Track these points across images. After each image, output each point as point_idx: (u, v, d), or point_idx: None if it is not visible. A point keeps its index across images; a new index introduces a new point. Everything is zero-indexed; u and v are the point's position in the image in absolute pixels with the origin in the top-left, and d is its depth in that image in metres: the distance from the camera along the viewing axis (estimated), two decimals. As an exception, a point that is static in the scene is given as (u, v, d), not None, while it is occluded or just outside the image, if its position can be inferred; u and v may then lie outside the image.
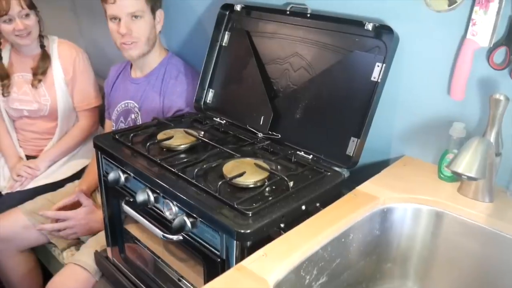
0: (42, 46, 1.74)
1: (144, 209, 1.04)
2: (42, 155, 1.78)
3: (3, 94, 1.76)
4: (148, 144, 1.08)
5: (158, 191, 0.99)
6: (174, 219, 0.93)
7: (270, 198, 0.91)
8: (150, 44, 1.43)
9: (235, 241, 0.83)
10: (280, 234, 0.85)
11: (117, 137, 1.16)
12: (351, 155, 1.06)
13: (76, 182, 1.74)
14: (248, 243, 0.83)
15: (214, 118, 1.33)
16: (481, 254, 0.92)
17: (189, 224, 0.91)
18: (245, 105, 1.29)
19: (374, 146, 1.13)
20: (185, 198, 0.92)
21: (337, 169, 1.06)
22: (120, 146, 1.13)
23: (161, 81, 1.48)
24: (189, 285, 1.05)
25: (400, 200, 0.97)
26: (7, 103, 1.78)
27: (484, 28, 0.93)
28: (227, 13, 1.35)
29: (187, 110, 1.43)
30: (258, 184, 0.96)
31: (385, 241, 0.99)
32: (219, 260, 0.88)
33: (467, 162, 0.79)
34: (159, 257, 1.13)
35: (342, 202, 0.93)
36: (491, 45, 0.94)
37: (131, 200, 1.07)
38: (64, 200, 1.53)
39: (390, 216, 0.97)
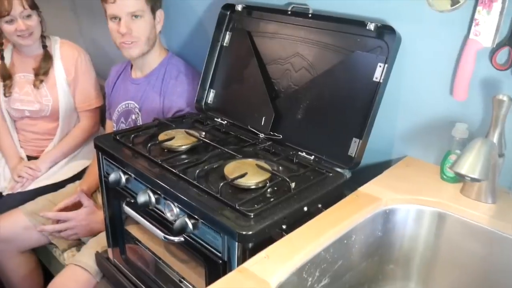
0: (44, 47, 1.73)
1: (145, 210, 1.03)
2: (43, 156, 1.78)
3: (4, 95, 1.76)
4: (149, 145, 1.08)
5: (159, 192, 0.99)
6: (175, 221, 0.93)
7: (272, 200, 0.90)
8: (150, 44, 1.42)
9: (236, 243, 0.82)
10: (282, 236, 0.85)
11: (118, 138, 1.16)
12: (353, 156, 1.05)
13: (77, 182, 1.74)
14: (250, 245, 0.83)
15: (215, 119, 1.33)
16: (483, 255, 0.91)
17: (190, 225, 0.90)
18: (246, 105, 1.29)
19: (376, 147, 1.13)
20: (186, 199, 0.91)
21: (339, 170, 1.05)
22: (121, 147, 1.13)
23: (161, 81, 1.47)
24: (190, 287, 1.05)
25: (402, 201, 0.96)
26: (9, 103, 1.77)
27: (487, 28, 0.92)
28: (228, 13, 1.35)
29: (188, 110, 1.43)
30: (260, 185, 0.96)
31: (387, 243, 0.99)
32: (220, 261, 0.88)
33: (470, 163, 0.78)
34: (160, 258, 1.13)
35: (344, 203, 0.93)
36: (494, 45, 0.93)
37: (132, 201, 1.07)
38: (65, 201, 1.53)
39: (393, 217, 0.97)
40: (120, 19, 1.34)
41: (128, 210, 1.07)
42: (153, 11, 1.40)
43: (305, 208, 0.91)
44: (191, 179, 0.96)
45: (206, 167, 1.01)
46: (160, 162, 1.03)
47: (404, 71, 1.09)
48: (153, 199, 1.00)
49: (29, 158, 1.82)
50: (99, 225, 1.46)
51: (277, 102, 1.22)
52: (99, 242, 1.41)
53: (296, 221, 0.88)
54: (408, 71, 1.09)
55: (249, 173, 0.97)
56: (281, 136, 1.19)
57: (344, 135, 1.08)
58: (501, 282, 0.90)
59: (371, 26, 1.04)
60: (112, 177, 1.08)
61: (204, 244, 0.90)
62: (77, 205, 1.53)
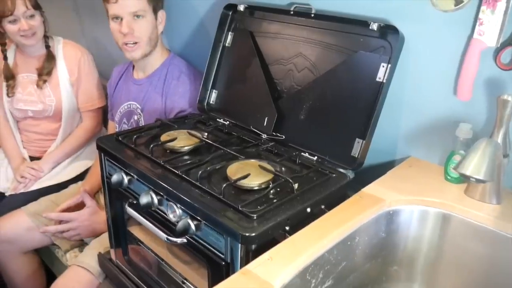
0: (47, 47, 1.74)
1: (147, 211, 1.03)
2: (45, 156, 1.78)
3: (8, 95, 1.76)
4: (151, 145, 1.08)
5: (161, 193, 0.98)
6: (178, 222, 0.93)
7: (275, 201, 0.90)
8: (152, 44, 1.42)
9: (239, 244, 0.82)
10: (285, 237, 0.85)
11: (120, 138, 1.16)
12: (356, 156, 1.05)
13: (80, 183, 1.74)
14: (253, 246, 0.82)
15: (218, 119, 1.32)
16: (488, 257, 0.91)
17: (193, 227, 0.90)
18: (248, 106, 1.28)
19: (380, 147, 1.12)
20: (189, 200, 0.91)
21: (342, 170, 1.05)
22: (123, 148, 1.13)
23: (163, 82, 1.47)
24: (193, 288, 1.05)
25: (406, 202, 0.96)
26: (12, 103, 1.78)
27: (491, 28, 0.92)
28: (230, 13, 1.35)
29: (190, 110, 1.43)
30: (263, 186, 0.96)
31: (391, 244, 0.98)
32: (223, 263, 0.87)
33: (475, 164, 0.78)
34: (162, 260, 1.12)
35: (347, 204, 0.92)
36: (499, 45, 0.93)
37: (135, 202, 1.07)
38: (68, 201, 1.52)
39: (396, 218, 0.96)
40: (122, 19, 1.34)
41: (130, 211, 1.06)
42: (155, 11, 1.40)
43: (308, 209, 0.91)
44: (194, 180, 0.95)
45: (208, 168, 1.01)
46: (162, 163, 1.02)
47: (408, 71, 1.08)
48: (155, 200, 0.99)
49: (32, 158, 1.82)
50: (101, 225, 1.46)
51: (279, 103, 1.22)
52: (102, 243, 1.41)
53: (299, 222, 0.87)
54: (412, 71, 1.08)
55: (252, 174, 0.96)
56: (283, 137, 1.18)
57: (347, 135, 1.07)
58: (506, 283, 0.89)
59: (374, 26, 1.04)
60: (115, 178, 1.08)
61: (207, 245, 0.90)
62: (79, 206, 1.53)
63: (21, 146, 1.84)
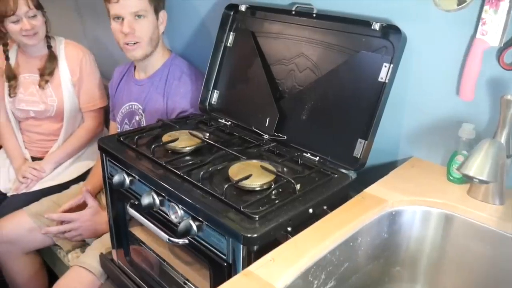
0: (49, 47, 1.74)
1: (149, 212, 1.03)
2: (47, 157, 1.78)
3: (9, 95, 1.76)
4: (153, 146, 1.07)
5: (163, 194, 0.98)
6: (179, 223, 0.92)
7: (277, 201, 0.89)
8: (153, 44, 1.42)
9: (241, 245, 0.82)
10: (287, 238, 0.84)
11: (121, 139, 1.16)
12: (359, 157, 1.04)
13: (81, 184, 1.74)
14: (255, 247, 0.82)
15: (219, 120, 1.32)
16: (491, 257, 0.90)
17: (195, 227, 0.90)
18: (250, 106, 1.28)
19: (382, 147, 1.12)
20: (190, 201, 0.91)
21: (344, 171, 1.04)
22: (125, 148, 1.13)
23: (165, 82, 1.47)
24: (195, 289, 1.04)
25: (408, 203, 0.95)
26: (14, 104, 1.78)
27: (494, 27, 0.91)
28: (232, 13, 1.34)
29: (191, 111, 1.43)
30: (265, 187, 0.95)
31: (393, 244, 0.98)
32: (225, 264, 0.87)
33: (478, 165, 0.77)
34: (164, 260, 1.12)
35: (350, 205, 0.92)
36: (502, 45, 0.92)
37: (136, 203, 1.07)
38: (70, 202, 1.52)
39: (399, 219, 0.96)
40: (123, 19, 1.34)
41: (132, 212, 1.06)
42: (156, 11, 1.40)
43: (310, 210, 0.91)
44: (195, 181, 0.95)
45: (210, 169, 1.01)
46: (164, 164, 1.02)
47: (410, 71, 1.08)
48: (157, 201, 0.99)
49: (34, 159, 1.82)
50: (103, 226, 1.46)
51: (281, 103, 1.21)
52: (103, 243, 1.41)
53: (301, 223, 0.87)
54: (414, 71, 1.08)
55: (253, 174, 0.96)
56: (285, 137, 1.18)
57: (349, 136, 1.07)
58: (509, 283, 0.89)
59: (376, 26, 1.03)
60: (116, 178, 1.08)
61: (209, 246, 0.90)
62: (81, 206, 1.53)
63: (23, 146, 1.84)
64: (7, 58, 1.75)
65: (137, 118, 1.52)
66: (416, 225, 0.97)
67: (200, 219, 0.90)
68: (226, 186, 0.90)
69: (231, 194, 0.93)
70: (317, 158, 1.10)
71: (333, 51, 1.13)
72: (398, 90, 1.06)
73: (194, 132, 1.18)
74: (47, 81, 1.73)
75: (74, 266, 1.37)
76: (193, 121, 1.32)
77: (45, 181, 1.74)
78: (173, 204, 0.95)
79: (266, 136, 1.21)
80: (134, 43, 1.37)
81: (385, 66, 1.03)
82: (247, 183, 0.94)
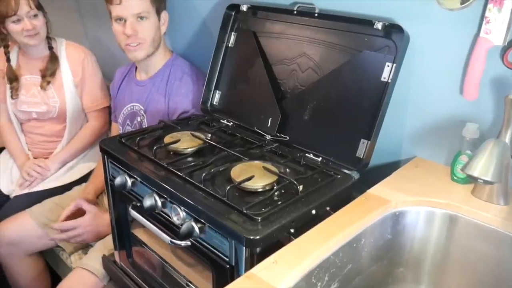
0: (50, 48, 1.74)
1: (151, 214, 1.03)
2: (52, 156, 1.78)
3: (11, 97, 1.76)
4: (154, 147, 1.07)
5: (165, 196, 0.98)
6: (182, 225, 0.92)
7: (280, 203, 0.89)
8: (155, 45, 1.41)
9: (244, 247, 0.81)
10: (290, 240, 0.84)
11: (123, 140, 1.15)
12: (361, 157, 1.04)
13: (84, 185, 1.73)
14: (258, 249, 0.81)
15: (221, 120, 1.32)
16: (496, 258, 0.90)
17: (197, 229, 0.89)
18: (252, 106, 1.27)
19: (385, 147, 1.11)
20: (192, 203, 0.90)
21: (347, 171, 1.04)
22: (127, 150, 1.12)
23: (166, 83, 1.47)
24: (198, 291, 1.04)
25: (412, 204, 0.95)
26: (15, 105, 1.78)
27: (498, 26, 0.90)
28: (233, 13, 1.34)
29: (193, 111, 1.42)
30: (267, 188, 0.95)
31: (397, 245, 0.97)
32: (228, 266, 0.86)
33: (483, 165, 0.77)
34: (167, 262, 1.12)
35: (353, 206, 0.91)
36: (506, 44, 0.91)
37: (138, 204, 1.06)
38: (65, 212, 1.50)
39: (402, 220, 0.95)
40: (125, 21, 1.34)
41: (134, 213, 1.06)
42: (158, 12, 1.39)
43: (313, 211, 0.90)
44: (197, 182, 0.95)
45: (212, 170, 1.00)
46: (166, 165, 1.02)
47: (413, 71, 1.07)
48: (159, 203, 0.99)
49: (36, 160, 1.82)
50: (105, 228, 1.46)
51: (283, 103, 1.21)
52: (106, 245, 1.41)
53: (304, 224, 0.86)
54: (417, 70, 1.07)
55: (256, 175, 0.96)
56: (288, 138, 1.17)
57: (352, 136, 1.06)
58: (514, 284, 0.88)
59: (379, 25, 1.03)
60: (118, 180, 1.07)
61: (211, 248, 0.89)
62: (82, 210, 1.53)
63: (26, 148, 1.84)
64: (8, 60, 1.75)
65: (139, 119, 1.52)
66: (420, 226, 0.96)
67: (202, 221, 0.89)
68: (228, 187, 0.89)
69: (233, 195, 0.93)
70: (319, 159, 1.09)
71: (335, 51, 1.13)
72: (401, 89, 1.06)
73: (196, 133, 1.17)
74: (48, 82, 1.73)
75: (77, 268, 1.37)
76: (195, 122, 1.31)
77: (48, 182, 1.74)
78: (175, 206, 0.95)
79: (268, 137, 1.20)
80: (137, 44, 1.37)
81: (388, 66, 1.02)
82: (250, 184, 0.94)
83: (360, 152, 1.05)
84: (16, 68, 1.77)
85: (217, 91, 1.38)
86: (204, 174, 0.96)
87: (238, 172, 0.98)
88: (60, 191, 1.72)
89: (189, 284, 1.06)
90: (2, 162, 1.87)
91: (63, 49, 1.76)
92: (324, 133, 1.12)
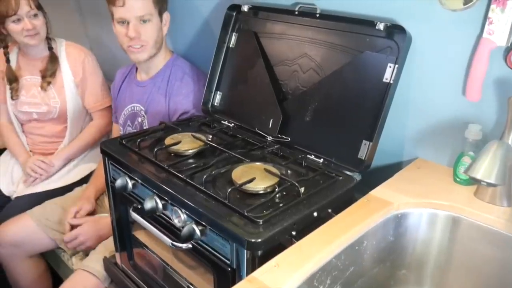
0: (50, 48, 1.74)
1: (152, 216, 1.02)
2: (57, 153, 1.78)
3: (12, 98, 1.76)
4: (155, 149, 1.06)
5: (166, 198, 0.97)
6: (183, 227, 0.91)
7: (281, 205, 0.88)
8: (157, 47, 1.41)
9: (245, 250, 0.81)
10: (291, 242, 0.83)
11: (124, 142, 1.15)
12: (363, 158, 1.03)
13: (84, 186, 1.73)
14: (259, 252, 0.81)
15: (222, 121, 1.31)
16: (499, 260, 0.89)
17: (198, 232, 0.89)
18: (253, 107, 1.27)
19: (387, 148, 1.10)
20: (193, 205, 0.90)
21: (348, 173, 1.03)
22: (127, 152, 1.12)
23: (167, 83, 1.46)
24: (199, 293, 1.03)
25: (414, 205, 0.94)
26: (16, 106, 1.78)
27: (501, 27, 0.89)
28: (234, 14, 1.33)
29: (193, 112, 1.42)
30: (268, 190, 0.94)
31: (399, 247, 0.96)
32: (229, 269, 0.86)
33: (486, 168, 0.76)
34: (168, 264, 1.11)
35: (355, 208, 0.91)
36: (509, 44, 0.90)
37: (139, 206, 1.06)
38: (66, 227, 1.51)
39: (405, 222, 0.95)
40: (128, 23, 1.33)
41: (135, 216, 1.05)
42: (160, 13, 1.39)
43: (315, 214, 0.89)
44: (198, 184, 0.94)
45: (213, 172, 1.00)
46: (166, 167, 1.01)
47: (415, 71, 1.06)
48: (160, 205, 0.98)
49: (37, 161, 1.81)
50: (106, 230, 1.46)
51: (285, 104, 1.20)
52: (107, 247, 1.41)
53: (306, 227, 0.86)
54: (419, 71, 1.06)
55: (257, 177, 0.95)
56: (289, 139, 1.17)
57: (353, 137, 1.06)
58: (517, 286, 0.88)
59: (381, 26, 1.02)
60: (119, 182, 1.07)
61: (213, 251, 0.89)
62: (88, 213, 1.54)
63: (27, 149, 1.84)
64: (7, 61, 1.75)
65: (140, 119, 1.52)
66: (422, 228, 0.96)
67: (204, 223, 0.88)
68: (229, 189, 0.89)
69: (235, 197, 0.92)
70: (321, 160, 1.08)
71: (337, 52, 1.12)
72: (403, 90, 1.05)
73: (197, 135, 1.16)
74: (49, 83, 1.73)
75: (78, 270, 1.37)
76: (196, 123, 1.31)
77: (49, 183, 1.74)
78: (176, 208, 0.94)
79: (269, 138, 1.20)
80: (140, 47, 1.36)
81: (390, 67, 1.01)
82: (251, 187, 0.93)
83: (362, 153, 1.04)
84: (16, 69, 1.77)
85: (218, 92, 1.37)
86: (205, 176, 0.95)
87: (239, 174, 0.98)
88: (61, 192, 1.72)
89: (190, 286, 1.05)
90: (3, 163, 1.86)
91: (63, 49, 1.76)
92: (325, 134, 1.12)
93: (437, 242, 0.96)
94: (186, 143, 1.12)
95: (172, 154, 1.11)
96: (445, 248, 0.96)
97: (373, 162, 1.03)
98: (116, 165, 1.11)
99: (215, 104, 1.38)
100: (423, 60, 1.05)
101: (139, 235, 1.18)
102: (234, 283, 0.85)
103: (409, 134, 1.13)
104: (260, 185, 0.94)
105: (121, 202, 1.16)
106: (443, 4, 0.93)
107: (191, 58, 1.57)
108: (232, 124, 1.29)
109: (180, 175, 0.98)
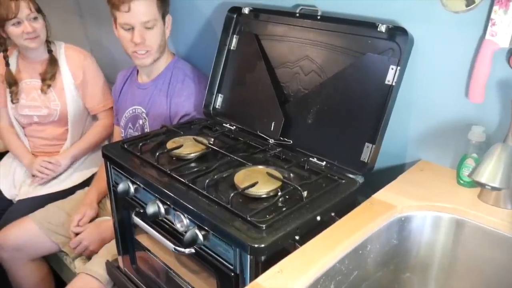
0: (50, 51, 1.73)
1: (155, 220, 1.02)
2: (63, 152, 1.78)
3: (12, 101, 1.76)
4: (157, 153, 1.06)
5: (168, 203, 0.97)
6: (185, 232, 0.91)
7: (284, 209, 0.88)
8: (161, 50, 1.42)
9: (248, 256, 0.80)
10: (295, 247, 0.83)
11: (125, 146, 1.14)
12: (366, 161, 1.03)
13: (86, 189, 1.73)
14: (263, 258, 0.80)
15: (224, 124, 1.31)
16: (503, 263, 0.89)
17: (201, 237, 0.88)
18: (255, 110, 1.26)
19: (389, 150, 1.10)
20: (196, 210, 0.89)
21: (351, 176, 1.02)
22: (129, 156, 1.11)
23: (168, 85, 1.46)
24: (202, 297, 1.03)
25: (418, 208, 0.94)
26: (16, 110, 1.78)
27: (504, 28, 0.89)
28: (235, 16, 1.32)
29: (194, 114, 1.41)
30: (271, 194, 0.94)
31: (403, 250, 0.96)
32: (232, 274, 0.86)
33: (491, 171, 0.75)
34: (170, 268, 1.11)
35: (358, 212, 0.90)
36: (512, 46, 0.90)
37: (142, 211, 1.05)
38: (72, 235, 1.52)
39: (408, 225, 0.94)
40: (133, 28, 1.33)
41: (137, 220, 1.05)
42: (163, 17, 1.39)
43: (318, 218, 0.89)
44: (201, 189, 0.94)
45: (215, 176, 0.99)
46: (168, 172, 1.01)
47: (417, 73, 1.06)
48: (162, 210, 0.98)
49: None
50: (108, 233, 1.46)
51: (286, 107, 1.20)
52: (109, 250, 1.40)
53: (309, 231, 0.85)
54: (422, 73, 1.06)
55: (259, 181, 0.95)
56: (291, 142, 1.16)
57: (356, 139, 1.05)
58: (522, 289, 0.87)
59: (383, 28, 1.01)
60: (121, 187, 1.07)
61: (216, 256, 0.89)
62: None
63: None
64: (7, 64, 1.75)
65: (141, 122, 1.51)
66: (426, 231, 0.95)
67: (206, 228, 0.88)
68: (232, 194, 0.89)
69: (237, 202, 0.92)
70: (323, 163, 1.08)
71: (338, 54, 1.11)
72: (405, 92, 1.04)
73: (199, 138, 1.16)
74: (49, 86, 1.73)
75: (81, 274, 1.37)
76: (197, 126, 1.30)
77: (51, 185, 1.74)
78: (178, 213, 0.94)
79: (271, 141, 1.19)
80: (145, 52, 1.36)
81: (392, 69, 1.01)
82: (253, 191, 0.93)
83: (365, 156, 1.04)
84: (16, 72, 1.76)
85: (220, 95, 1.37)
86: (207, 181, 0.95)
87: (241, 178, 0.97)
88: (63, 195, 1.72)
89: (193, 290, 1.05)
90: (5, 166, 1.86)
91: (62, 52, 1.76)
92: (328, 136, 1.11)
93: (441, 245, 0.96)
94: (188, 147, 1.12)
95: (174, 158, 1.10)
96: (449, 251, 0.95)
97: (376, 164, 1.03)
98: (118, 170, 1.11)
99: (217, 106, 1.37)
100: (426, 62, 1.04)
101: (142, 239, 1.18)
102: (237, 287, 0.85)
103: (412, 136, 1.13)
104: (262, 189, 0.93)
105: (123, 207, 1.16)
106: (445, 5, 0.92)
107: (192, 60, 1.57)
108: (234, 127, 1.28)
109: (182, 180, 0.98)
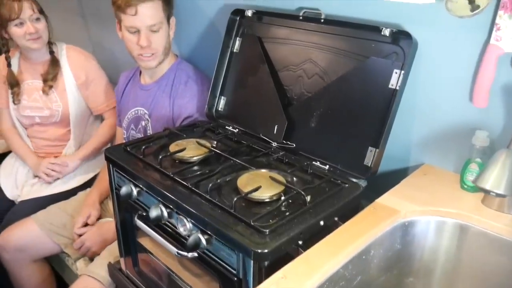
0: (51, 52, 1.73)
1: (157, 224, 1.02)
2: (72, 154, 1.79)
3: (14, 102, 1.76)
4: (160, 156, 1.06)
5: (171, 206, 0.97)
6: (188, 236, 0.91)
7: (287, 214, 0.88)
8: (166, 52, 1.42)
9: (252, 261, 0.80)
10: (298, 252, 0.83)
11: (128, 149, 1.14)
12: (369, 165, 1.02)
13: (88, 190, 1.73)
14: (266, 263, 0.80)
15: (227, 127, 1.30)
16: (507, 268, 0.88)
17: (204, 241, 0.88)
18: (258, 113, 1.26)
19: (393, 154, 1.09)
20: (199, 214, 0.89)
21: (354, 180, 1.02)
22: (132, 159, 1.11)
23: (171, 87, 1.46)
24: (205, 301, 1.03)
25: (421, 213, 0.93)
26: (18, 111, 1.78)
27: (508, 33, 0.89)
28: (238, 18, 1.32)
29: (197, 116, 1.41)
30: (274, 198, 0.94)
31: (406, 255, 0.96)
32: (235, 279, 0.86)
33: (495, 178, 0.75)
34: (173, 271, 1.11)
35: (361, 217, 0.90)
36: (516, 51, 0.90)
37: (144, 214, 1.05)
38: (75, 237, 1.53)
39: (412, 230, 0.94)
40: (139, 31, 1.33)
41: (140, 224, 1.05)
42: (168, 19, 1.39)
43: (322, 222, 0.89)
44: (204, 192, 0.94)
45: (218, 180, 0.99)
46: (171, 175, 1.01)
47: (421, 77, 1.06)
48: (165, 214, 0.98)
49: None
50: (111, 234, 1.46)
51: (289, 110, 1.19)
52: (112, 252, 1.40)
53: (313, 236, 0.85)
54: (426, 77, 1.05)
55: (262, 185, 0.94)
56: (294, 145, 1.16)
57: (359, 143, 1.05)
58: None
59: (386, 32, 1.01)
60: (124, 190, 1.06)
61: (219, 260, 0.88)
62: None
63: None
64: (9, 65, 1.75)
65: (143, 123, 1.51)
66: (430, 236, 0.95)
67: (209, 232, 0.88)
68: (235, 198, 0.88)
69: (240, 206, 0.91)
70: (327, 167, 1.08)
71: (342, 57, 1.11)
72: (409, 96, 1.04)
73: (202, 141, 1.16)
74: (51, 87, 1.73)
75: (83, 276, 1.37)
76: (200, 129, 1.30)
77: (54, 186, 1.74)
78: (181, 217, 0.94)
79: (274, 144, 1.19)
80: (150, 55, 1.37)
81: (396, 73, 1.01)
82: (257, 195, 0.93)
83: (368, 160, 1.03)
84: (18, 73, 1.76)
85: (222, 97, 1.36)
86: (210, 185, 0.95)
87: (244, 182, 0.97)
88: (64, 196, 1.72)
89: (196, 294, 1.05)
90: (7, 167, 1.86)
91: (64, 53, 1.76)
92: (331, 140, 1.11)
93: (444, 249, 0.95)
94: (191, 150, 1.12)
95: (177, 161, 1.10)
96: (453, 255, 0.95)
97: (379, 167, 1.02)
98: (121, 172, 1.11)
99: (219, 109, 1.37)
100: (430, 66, 1.04)
101: (144, 241, 1.17)
102: (240, 292, 0.85)
103: (415, 140, 1.12)
104: (266, 194, 0.93)
105: (125, 209, 1.16)
106: (450, 10, 0.92)
107: (195, 62, 1.57)
108: (237, 130, 1.28)
109: (185, 183, 0.97)
